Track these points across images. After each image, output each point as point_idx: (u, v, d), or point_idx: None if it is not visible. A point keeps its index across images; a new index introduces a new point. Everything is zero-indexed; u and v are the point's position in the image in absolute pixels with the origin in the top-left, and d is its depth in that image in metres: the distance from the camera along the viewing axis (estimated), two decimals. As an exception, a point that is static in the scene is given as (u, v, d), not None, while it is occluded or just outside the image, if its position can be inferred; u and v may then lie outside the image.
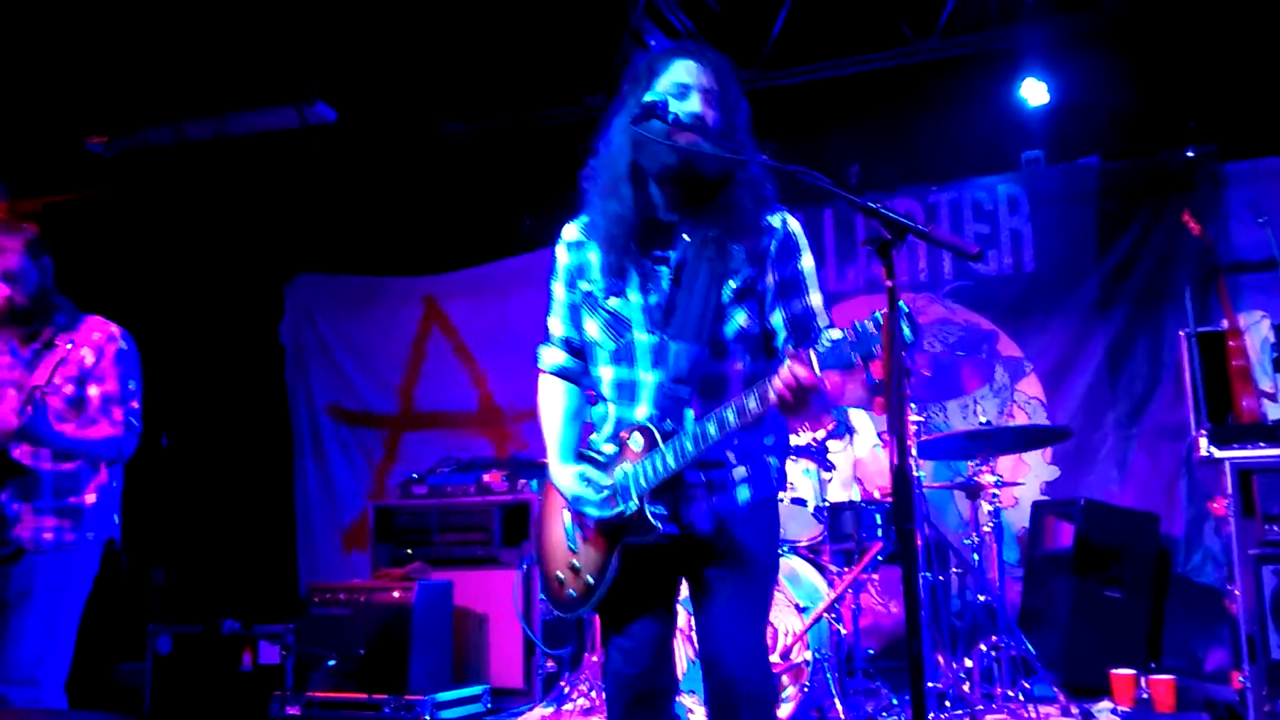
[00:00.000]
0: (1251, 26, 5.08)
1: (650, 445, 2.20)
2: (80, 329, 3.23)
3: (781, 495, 4.01)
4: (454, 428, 6.80)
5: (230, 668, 4.77)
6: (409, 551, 5.42)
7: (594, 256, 2.35)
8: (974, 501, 4.39)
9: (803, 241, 2.31)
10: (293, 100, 5.69)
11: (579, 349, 2.42)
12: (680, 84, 2.25)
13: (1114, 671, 4.33)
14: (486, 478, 5.52)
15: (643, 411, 2.26)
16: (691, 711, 3.81)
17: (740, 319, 2.26)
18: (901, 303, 1.93)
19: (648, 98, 2.24)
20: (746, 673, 2.21)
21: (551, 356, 2.48)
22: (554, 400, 2.46)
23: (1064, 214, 5.82)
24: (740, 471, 2.27)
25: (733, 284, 2.24)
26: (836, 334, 2.02)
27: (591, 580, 2.27)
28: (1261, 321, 4.68)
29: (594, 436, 2.37)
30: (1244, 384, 4.60)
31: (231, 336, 6.84)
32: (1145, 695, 4.27)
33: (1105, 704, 4.23)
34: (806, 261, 2.30)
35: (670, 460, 2.17)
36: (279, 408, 7.04)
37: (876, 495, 4.54)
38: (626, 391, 2.29)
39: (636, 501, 2.19)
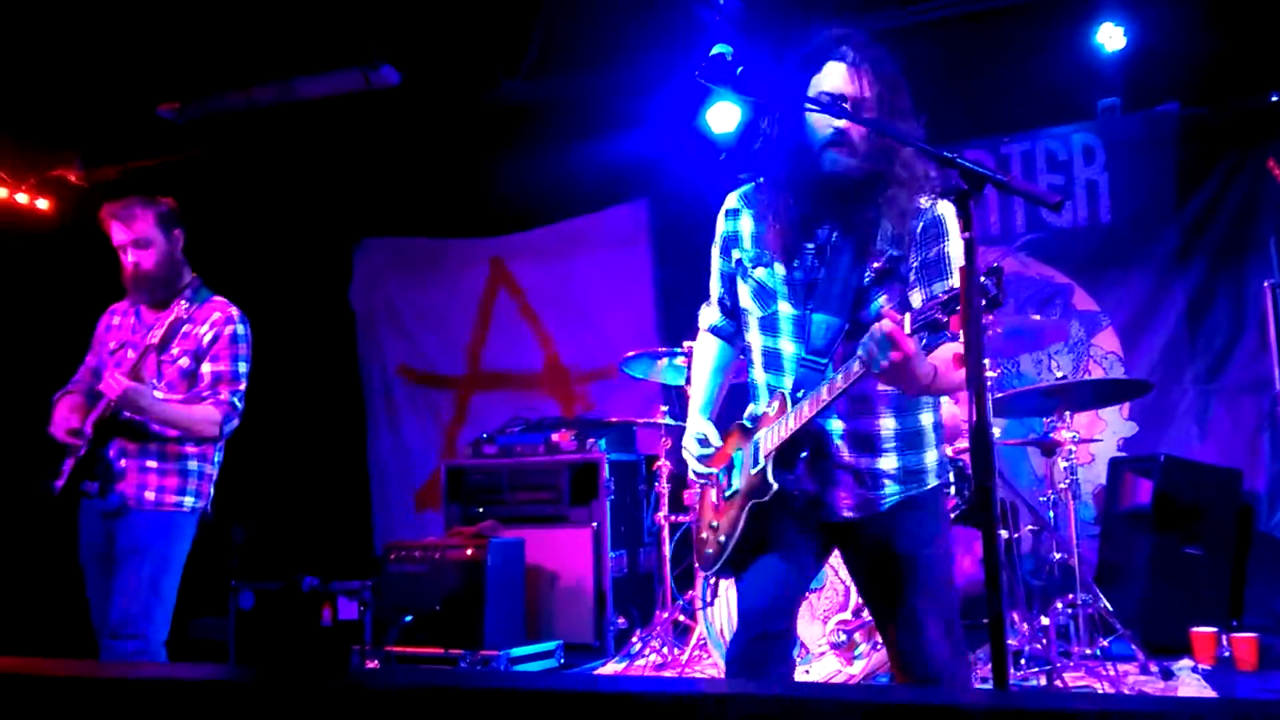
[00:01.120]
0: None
1: (782, 410, 2.27)
2: (204, 306, 3.35)
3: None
4: (521, 388, 6.85)
5: (310, 623, 4.88)
6: (481, 510, 5.49)
7: (747, 226, 2.42)
8: (1049, 458, 4.32)
9: (952, 225, 2.26)
10: (358, 63, 5.71)
11: (732, 311, 2.51)
12: (833, 93, 2.25)
13: (1195, 629, 4.26)
14: (555, 437, 5.56)
15: (788, 382, 2.32)
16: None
17: (882, 301, 2.27)
18: (997, 264, 1.91)
19: (807, 105, 2.27)
20: (929, 665, 2.23)
21: (708, 315, 2.59)
22: (703, 355, 2.58)
23: (1142, 163, 5.66)
24: (890, 462, 2.29)
25: (875, 265, 2.27)
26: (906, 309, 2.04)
27: (724, 539, 2.35)
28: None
29: (751, 406, 2.45)
30: (1331, 336, 4.46)
31: (303, 301, 6.95)
32: (1227, 653, 4.19)
33: (1186, 662, 4.17)
34: (953, 246, 2.26)
35: (790, 422, 2.23)
36: (351, 370, 7.16)
37: (949, 452, 4.48)
38: (773, 361, 2.36)
39: (762, 462, 2.25)
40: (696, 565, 2.50)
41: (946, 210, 2.27)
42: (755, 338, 2.40)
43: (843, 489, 2.29)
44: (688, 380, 4.37)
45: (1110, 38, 5.44)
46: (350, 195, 6.92)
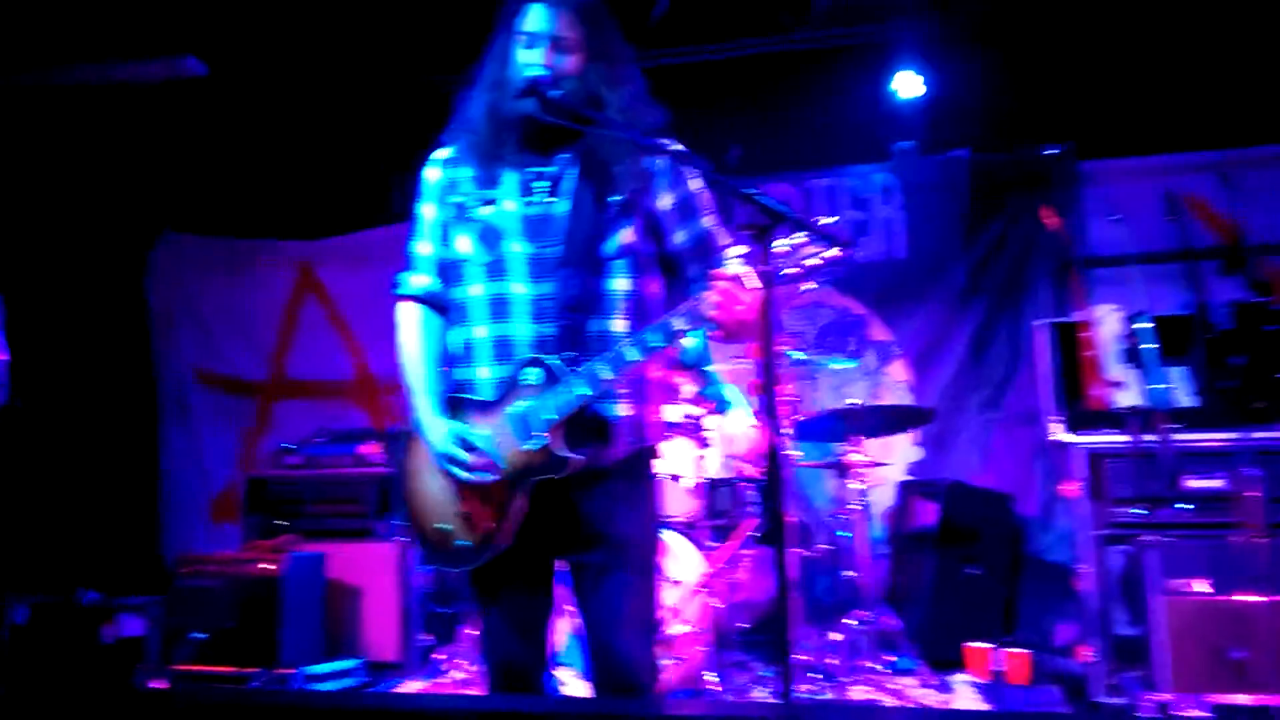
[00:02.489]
0: (1109, 31, 5.33)
1: (551, 377, 2.15)
2: None
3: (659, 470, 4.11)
4: (329, 397, 6.66)
5: (90, 640, 4.61)
6: (281, 523, 5.31)
7: (466, 171, 2.35)
8: (843, 480, 4.54)
9: (692, 169, 2.33)
10: (163, 53, 5.47)
11: (446, 271, 2.36)
12: (535, 33, 2.27)
13: (970, 645, 4.56)
14: (362, 449, 5.44)
15: (523, 329, 2.22)
16: (564, 684, 3.86)
17: (624, 235, 2.27)
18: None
19: (512, 46, 2.28)
20: (636, 650, 2.25)
21: (418, 280, 2.40)
22: (418, 334, 2.38)
23: (935, 204, 6.05)
24: (625, 411, 2.25)
25: (615, 199, 2.26)
26: (741, 249, 2.10)
27: (493, 525, 2.18)
28: (1112, 314, 4.94)
29: (467, 369, 2.29)
30: (1095, 373, 4.86)
31: (95, 295, 6.54)
32: (1000, 668, 4.51)
33: (963, 676, 4.45)
34: (697, 184, 2.34)
35: (583, 389, 2.13)
36: (144, 369, 6.78)
37: (750, 472, 4.66)
38: (503, 308, 2.25)
39: (544, 438, 2.14)
40: (436, 563, 2.26)
41: (675, 150, 2.28)
42: (478, 287, 2.28)
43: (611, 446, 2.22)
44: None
45: (909, 85, 5.79)
46: (152, 188, 6.58)
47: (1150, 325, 4.63)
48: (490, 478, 2.18)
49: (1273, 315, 4.50)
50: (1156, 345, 4.62)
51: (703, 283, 2.14)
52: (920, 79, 5.75)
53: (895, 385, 5.97)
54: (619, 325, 2.24)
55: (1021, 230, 5.89)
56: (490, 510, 2.20)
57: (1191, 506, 4.04)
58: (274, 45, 5.65)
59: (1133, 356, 4.71)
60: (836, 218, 4.87)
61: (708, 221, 2.34)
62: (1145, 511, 4.10)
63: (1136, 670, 3.80)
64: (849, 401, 4.57)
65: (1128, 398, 4.69)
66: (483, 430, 2.22)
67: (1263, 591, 3.49)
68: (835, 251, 2.08)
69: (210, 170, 6.49)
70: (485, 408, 2.23)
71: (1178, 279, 4.91)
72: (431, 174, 2.42)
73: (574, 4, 2.30)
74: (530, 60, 2.26)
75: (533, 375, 2.19)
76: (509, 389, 2.22)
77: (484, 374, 2.27)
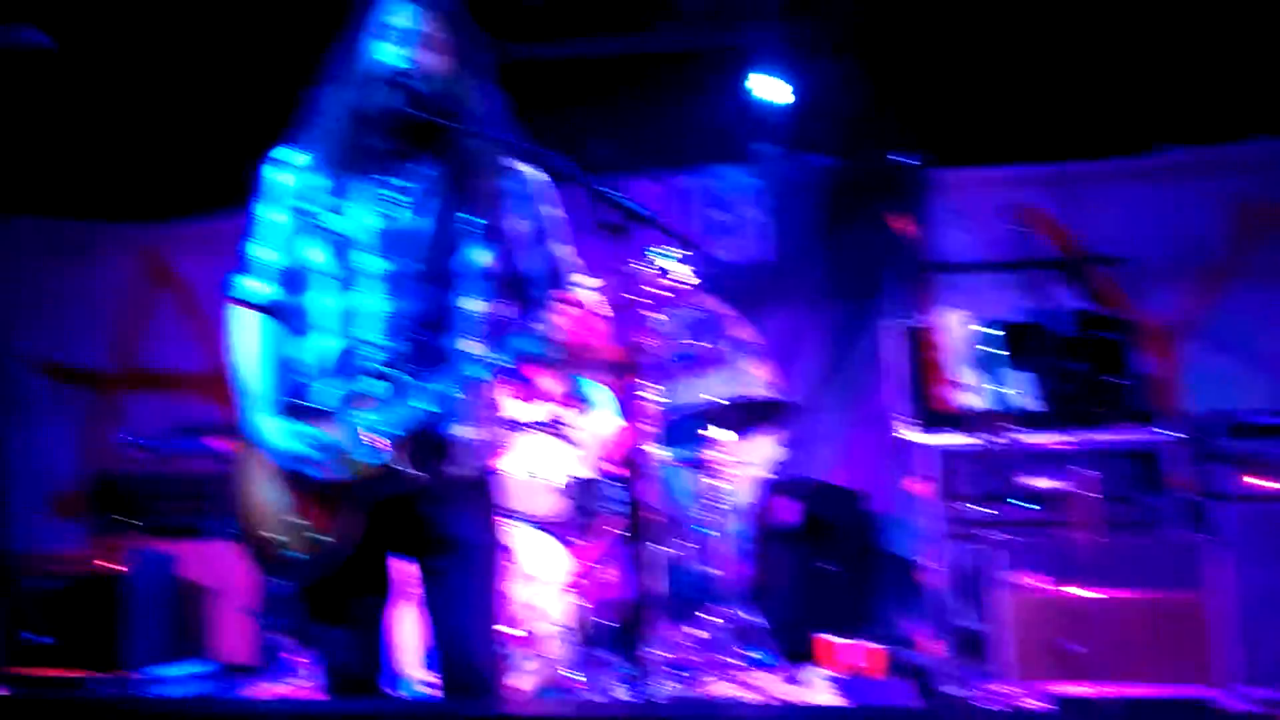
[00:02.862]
0: (963, 45, 5.54)
1: (397, 391, 2.13)
2: None
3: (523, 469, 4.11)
4: (181, 389, 6.42)
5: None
6: (129, 520, 5.09)
7: (320, 180, 2.28)
8: (708, 478, 4.62)
9: (550, 191, 2.35)
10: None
11: (292, 279, 2.29)
12: (404, 29, 2.24)
13: (825, 639, 4.71)
14: (216, 443, 5.25)
15: (371, 343, 2.18)
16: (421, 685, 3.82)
17: (483, 257, 2.26)
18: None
19: (376, 41, 2.24)
20: (480, 651, 2.26)
21: (258, 287, 2.31)
22: (256, 339, 2.29)
23: (796, 207, 6.21)
24: (469, 431, 2.25)
25: (478, 220, 2.25)
26: (595, 282, 2.12)
27: (322, 538, 2.15)
28: (959, 319, 5.15)
29: (309, 378, 2.24)
30: (942, 376, 5.08)
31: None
32: (853, 661, 4.67)
33: (820, 670, 4.59)
34: (555, 211, 2.36)
35: (429, 406, 2.12)
36: (-23, 361, 6.39)
37: (613, 470, 4.69)
38: (353, 320, 2.20)
39: (385, 453, 2.11)
40: (269, 572, 2.22)
41: (543, 176, 2.33)
42: (328, 299, 2.22)
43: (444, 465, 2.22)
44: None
45: (775, 89, 5.90)
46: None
47: (996, 330, 4.87)
48: (343, 474, 2.15)
49: (1110, 324, 4.78)
50: (1002, 350, 4.86)
51: (551, 307, 2.17)
52: (785, 83, 5.86)
53: (759, 384, 6.10)
54: (469, 345, 2.22)
55: (877, 235, 6.08)
56: (326, 520, 2.16)
57: (1033, 505, 4.27)
58: (117, 17, 5.39)
59: (978, 360, 4.95)
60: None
61: (561, 248, 2.35)
62: (991, 510, 4.32)
63: (981, 662, 3.99)
64: (714, 399, 4.65)
65: (974, 400, 4.92)
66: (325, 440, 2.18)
67: (1097, 586, 3.71)
68: (686, 277, 2.14)
69: (49, 149, 6.14)
70: (325, 418, 2.18)
71: (1021, 286, 5.15)
72: (280, 176, 2.34)
73: (444, 6, 2.28)
74: (398, 55, 2.22)
75: (378, 388, 2.16)
76: (352, 401, 2.18)
77: (327, 385, 2.22)
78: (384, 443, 2.12)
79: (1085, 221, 5.23)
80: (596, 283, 2.13)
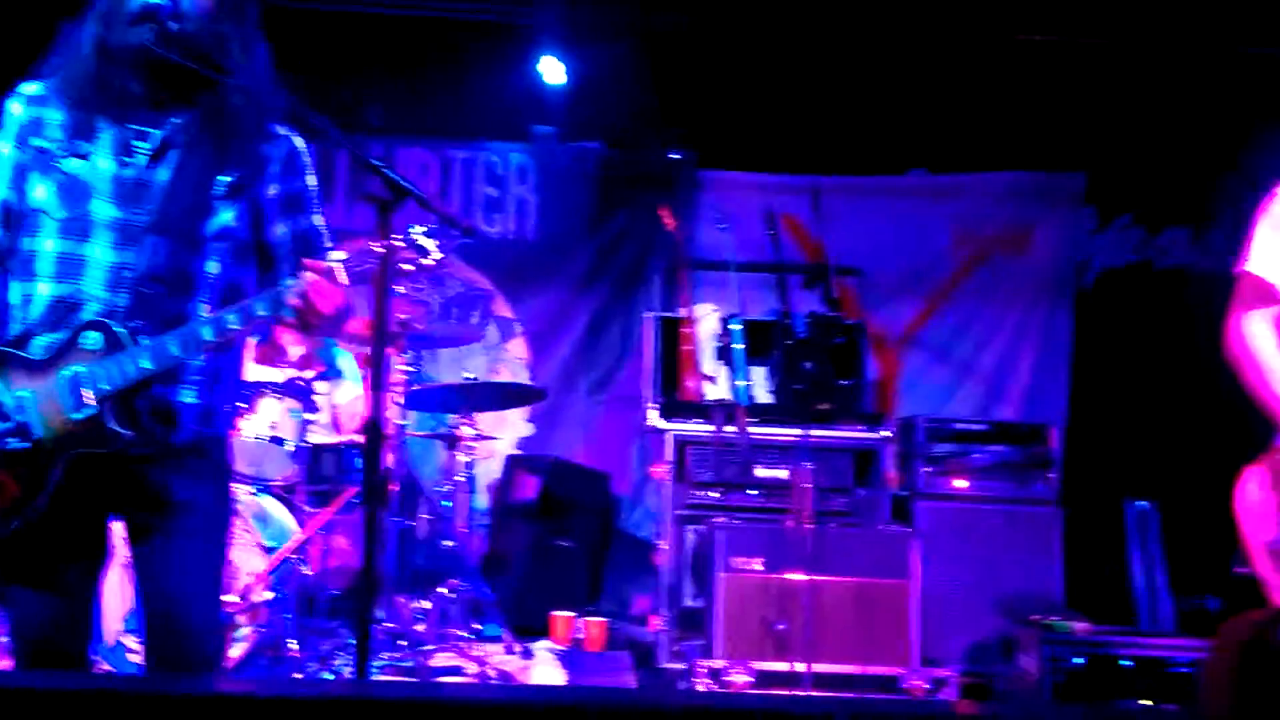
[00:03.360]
0: (738, 52, 5.75)
1: (113, 344, 2.02)
2: None
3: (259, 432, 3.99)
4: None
5: None
6: None
7: (56, 114, 2.12)
8: (451, 451, 4.62)
9: (308, 160, 2.27)
10: None
11: (12, 217, 2.12)
12: None
13: (555, 613, 4.81)
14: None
15: (93, 293, 2.06)
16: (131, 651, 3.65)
17: (226, 217, 2.14)
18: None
19: None
20: (200, 617, 2.18)
21: None
22: None
23: (567, 190, 6.27)
24: (193, 393, 2.15)
25: (224, 179, 2.13)
26: (341, 254, 2.07)
27: (19, 494, 2.01)
28: (712, 314, 5.36)
29: (21, 326, 2.10)
30: (691, 366, 5.26)
31: None
32: (580, 635, 4.79)
33: (545, 643, 4.69)
34: (312, 180, 2.27)
35: (146, 363, 2.01)
36: None
37: (353, 438, 4.61)
38: (72, 268, 2.06)
39: (94, 406, 1.99)
40: None
41: (302, 145, 2.24)
42: (49, 243, 2.08)
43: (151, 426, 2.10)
44: None
45: (553, 71, 5.92)
46: None
47: (740, 327, 5.09)
48: (40, 429, 2.02)
49: (842, 329, 5.09)
50: (744, 346, 5.09)
51: (293, 273, 2.10)
52: (564, 67, 5.90)
53: (513, 361, 6.14)
54: (200, 307, 2.12)
55: (642, 226, 6.24)
56: (20, 478, 2.03)
57: (757, 493, 4.51)
58: None
59: (724, 354, 5.16)
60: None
61: (314, 219, 2.27)
62: (718, 495, 4.52)
63: (698, 639, 4.19)
64: (465, 375, 4.65)
65: (716, 391, 5.13)
66: (24, 391, 2.04)
67: (806, 571, 3.96)
68: (440, 252, 2.13)
69: None
70: (34, 367, 2.05)
71: (769, 288, 5.40)
72: (14, 108, 2.17)
73: None
74: None
75: (92, 340, 2.03)
76: (64, 351, 2.05)
77: (38, 333, 2.08)
78: (90, 397, 2.01)
79: (831, 232, 5.55)
80: (341, 255, 2.07)
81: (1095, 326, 6.17)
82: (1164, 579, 4.81)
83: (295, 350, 4.41)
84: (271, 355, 4.52)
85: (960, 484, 4.69)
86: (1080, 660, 3.81)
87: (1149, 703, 3.70)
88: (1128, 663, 3.81)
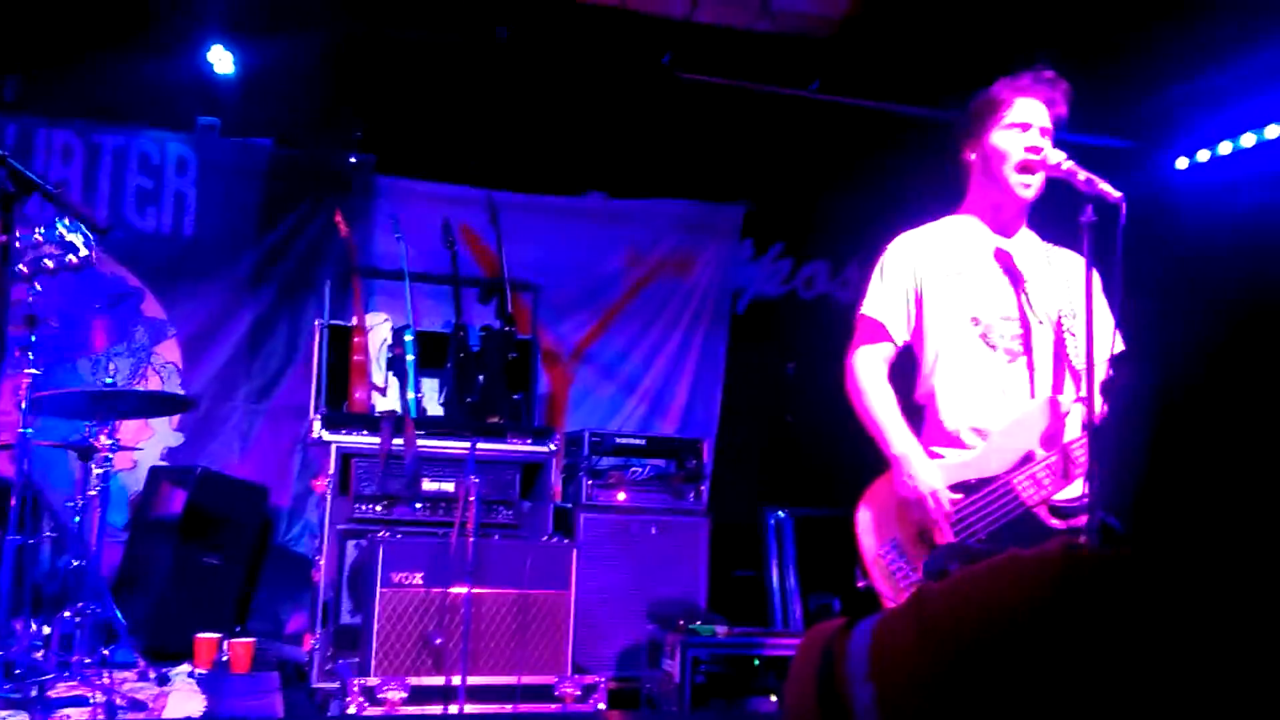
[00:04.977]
0: (423, 57, 5.68)
1: None
2: None
3: None
4: None
5: None
6: None
7: None
8: (85, 463, 4.24)
9: None
10: None
11: None
12: None
13: (198, 636, 4.52)
14: None
15: None
16: None
17: None
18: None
19: None
20: None
21: None
22: None
23: (231, 186, 5.94)
24: None
25: None
26: None
27: None
28: (384, 324, 5.27)
29: None
30: (361, 377, 5.13)
31: None
32: (225, 657, 4.52)
33: (185, 667, 4.38)
34: None
35: None
36: None
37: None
38: None
39: None
40: None
41: None
42: None
43: None
44: None
45: (220, 60, 5.58)
46: None
47: (412, 338, 5.04)
48: None
49: (516, 344, 5.16)
50: (415, 357, 5.03)
51: None
52: (232, 56, 5.59)
53: (163, 366, 5.73)
54: None
55: (313, 229, 6.03)
56: None
57: (421, 506, 4.46)
58: None
59: (395, 365, 5.08)
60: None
61: None
62: (382, 509, 4.44)
63: (354, 657, 4.07)
64: (106, 381, 4.28)
65: (386, 403, 5.04)
66: None
67: (465, 584, 3.95)
68: (80, 248, 1.97)
69: None
70: None
71: (445, 299, 5.38)
72: None
73: None
74: None
75: None
76: None
77: None
78: None
79: (508, 246, 5.59)
80: None
81: (746, 349, 6.62)
82: (796, 582, 5.21)
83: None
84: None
85: (620, 496, 4.86)
86: (717, 665, 4.05)
87: (776, 699, 3.99)
88: (758, 663, 4.09)
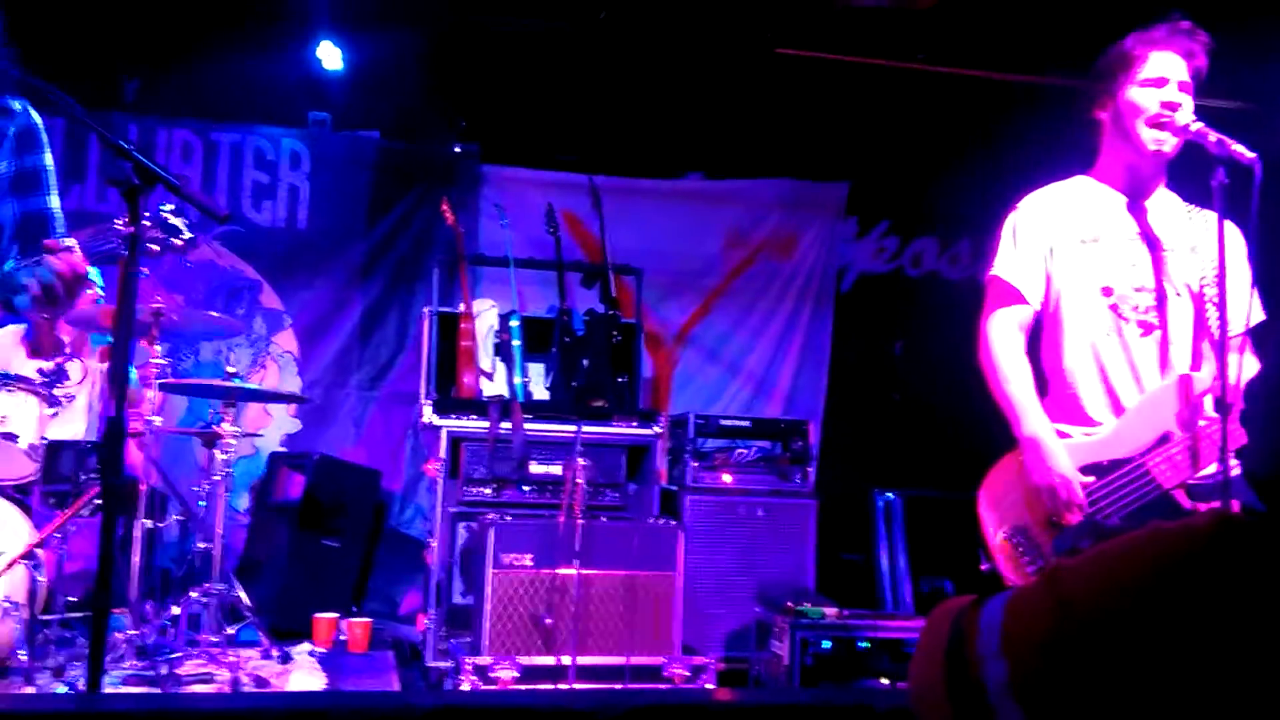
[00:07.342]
0: (524, 47, 5.73)
1: None
2: None
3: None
4: None
5: None
6: None
7: None
8: (210, 449, 4.40)
9: (45, 138, 2.14)
10: None
11: None
12: None
13: (317, 616, 4.65)
14: None
15: None
16: None
17: None
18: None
19: None
20: None
21: None
22: None
23: (342, 179, 6.08)
24: None
25: None
26: (72, 241, 1.94)
27: None
28: (491, 310, 5.34)
29: None
30: (468, 363, 5.21)
31: None
32: (343, 636, 4.66)
33: (306, 645, 4.53)
34: (49, 159, 2.14)
35: None
36: None
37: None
38: None
39: None
40: None
41: (40, 120, 2.15)
42: None
43: None
44: None
45: (329, 56, 5.73)
46: None
47: (518, 323, 5.09)
48: None
49: (620, 327, 5.17)
50: (522, 342, 5.08)
51: (17, 256, 1.96)
52: (340, 53, 5.72)
53: (281, 355, 5.90)
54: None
55: (422, 219, 6.14)
56: None
57: (530, 489, 4.51)
58: None
59: (502, 351, 5.14)
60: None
61: (48, 201, 2.13)
62: (491, 492, 4.50)
63: (466, 636, 4.14)
64: (228, 370, 4.44)
65: (493, 388, 5.11)
66: None
67: (575, 565, 3.99)
68: (183, 236, 2.03)
69: None
70: None
71: (549, 284, 5.42)
72: None
73: None
74: None
75: None
76: None
77: None
78: None
79: (610, 231, 5.60)
80: (71, 242, 1.93)
81: (851, 329, 6.52)
82: (906, 564, 5.13)
83: (54, 345, 4.12)
84: (45, 346, 4.28)
85: (726, 478, 4.84)
86: (828, 644, 4.01)
87: (887, 681, 3.93)
88: (864, 645, 4.03)
